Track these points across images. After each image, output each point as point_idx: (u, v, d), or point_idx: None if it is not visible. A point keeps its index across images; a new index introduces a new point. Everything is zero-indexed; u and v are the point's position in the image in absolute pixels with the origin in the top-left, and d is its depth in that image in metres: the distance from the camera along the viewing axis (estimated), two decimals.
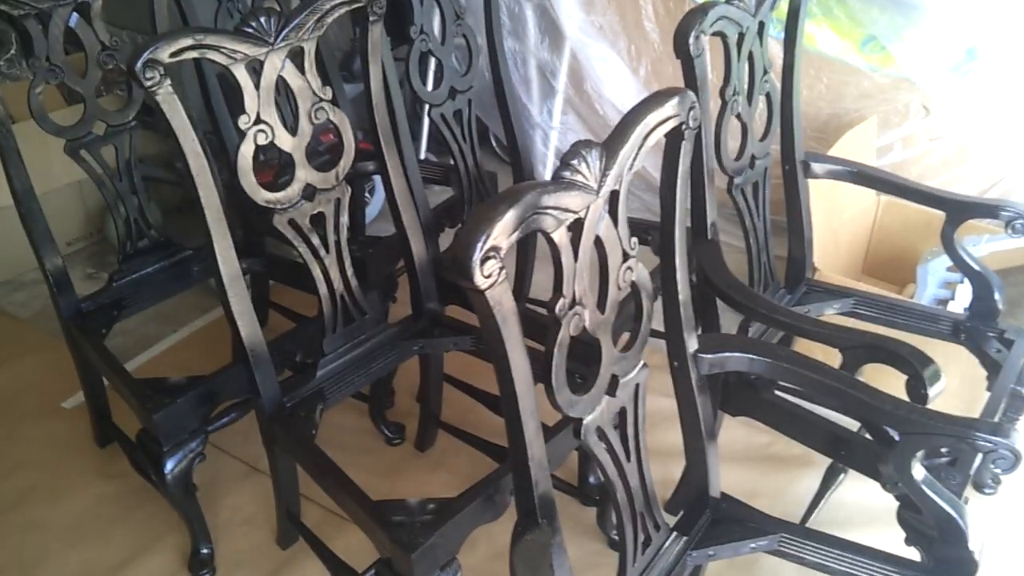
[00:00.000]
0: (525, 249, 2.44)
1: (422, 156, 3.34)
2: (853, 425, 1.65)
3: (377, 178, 3.02)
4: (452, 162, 2.17)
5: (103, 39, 1.96)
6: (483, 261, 0.85)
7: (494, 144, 3.65)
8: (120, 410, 2.11)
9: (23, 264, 3.06)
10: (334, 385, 1.72)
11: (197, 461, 1.80)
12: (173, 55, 1.34)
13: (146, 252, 2.13)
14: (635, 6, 2.93)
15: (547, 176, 3.26)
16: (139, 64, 1.30)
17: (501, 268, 0.88)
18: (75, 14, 1.91)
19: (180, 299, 2.38)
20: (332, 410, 1.71)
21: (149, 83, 1.32)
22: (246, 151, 1.47)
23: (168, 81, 1.34)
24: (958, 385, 1.98)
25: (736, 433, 2.19)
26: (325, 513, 2.03)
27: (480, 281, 0.86)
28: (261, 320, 1.60)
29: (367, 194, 3.13)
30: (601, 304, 1.08)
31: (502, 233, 0.86)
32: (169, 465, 1.75)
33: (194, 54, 1.37)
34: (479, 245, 0.84)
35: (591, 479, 2.02)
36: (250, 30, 1.43)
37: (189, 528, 1.91)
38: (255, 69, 1.46)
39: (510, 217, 0.87)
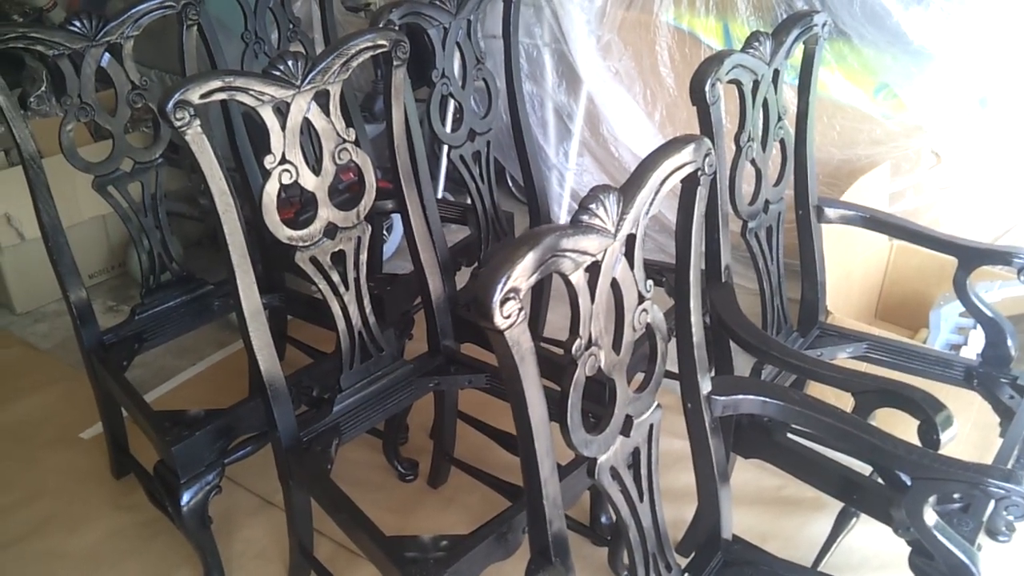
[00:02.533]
0: (539, 289, 2.47)
1: (439, 195, 3.39)
2: (865, 469, 1.65)
3: (395, 216, 3.07)
4: (469, 202, 2.20)
5: (133, 79, 2.01)
6: (503, 302, 0.88)
7: (511, 184, 3.69)
8: (136, 441, 2.13)
9: (46, 296, 3.12)
10: (350, 420, 1.74)
11: (213, 494, 1.82)
12: (203, 96, 1.38)
13: (168, 286, 2.17)
14: (651, 52, 2.99)
15: (562, 216, 3.31)
16: (170, 105, 1.34)
17: (520, 309, 0.90)
18: (107, 54, 1.96)
19: (198, 333, 2.41)
20: (346, 445, 1.72)
21: (179, 123, 1.36)
22: (271, 190, 1.50)
23: (198, 122, 1.38)
24: (970, 431, 1.98)
25: (748, 475, 2.19)
26: (337, 548, 2.04)
27: (500, 322, 0.89)
28: (278, 354, 1.63)
29: (385, 232, 3.17)
30: (617, 345, 1.10)
31: (522, 275, 0.89)
32: (186, 497, 1.77)
33: (223, 96, 1.41)
34: (499, 287, 0.87)
35: (603, 519, 2.02)
36: (278, 73, 1.47)
37: (203, 561, 1.92)
38: (281, 110, 1.50)
39: (530, 260, 0.89)
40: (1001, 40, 2.39)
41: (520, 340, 0.94)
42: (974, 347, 2.17)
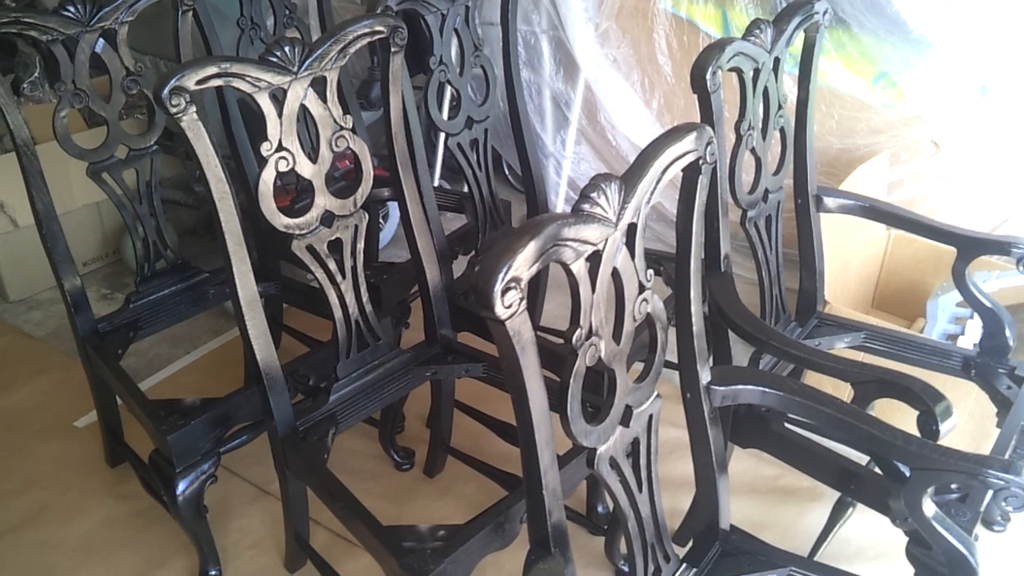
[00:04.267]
0: (536, 278, 2.45)
1: (436, 183, 3.37)
2: (862, 459, 1.65)
3: (391, 204, 3.06)
4: (466, 190, 2.19)
5: (128, 65, 1.99)
6: (504, 292, 0.87)
7: (507, 173, 3.68)
8: (131, 430, 2.12)
9: (40, 283, 3.10)
10: (347, 410, 1.73)
11: (209, 483, 1.81)
12: (199, 83, 1.36)
13: (163, 274, 2.16)
14: (649, 40, 2.97)
15: (559, 205, 3.30)
16: (166, 91, 1.33)
17: (521, 299, 0.89)
18: (101, 40, 1.94)
19: (193, 321, 2.40)
20: (342, 434, 1.72)
21: (175, 110, 1.34)
22: (267, 177, 1.49)
23: (193, 108, 1.36)
24: (967, 421, 1.98)
25: (745, 465, 2.19)
26: (333, 537, 2.03)
27: (501, 311, 0.88)
28: (274, 343, 1.61)
29: (381, 220, 3.16)
30: (617, 335, 1.10)
31: (523, 264, 0.88)
32: (181, 486, 1.76)
33: (219, 82, 1.40)
34: (501, 276, 0.86)
35: (599, 508, 2.02)
36: (274, 59, 1.46)
37: (198, 550, 1.91)
38: (278, 97, 1.48)
39: (531, 249, 0.88)
40: (1001, 29, 2.38)
41: (521, 330, 0.93)
42: (971, 337, 2.17)
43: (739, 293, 1.69)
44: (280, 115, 1.49)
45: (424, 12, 1.98)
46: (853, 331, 1.92)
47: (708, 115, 1.52)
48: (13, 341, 2.91)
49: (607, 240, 1.01)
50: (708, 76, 1.48)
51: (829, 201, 1.93)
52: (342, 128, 1.59)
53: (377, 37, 1.62)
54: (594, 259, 1.01)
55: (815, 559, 1.82)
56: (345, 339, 1.72)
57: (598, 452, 1.13)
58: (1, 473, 2.30)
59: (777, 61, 1.69)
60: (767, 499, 2.15)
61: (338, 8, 3.35)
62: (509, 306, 0.88)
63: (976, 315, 1.85)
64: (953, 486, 1.52)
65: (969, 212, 2.61)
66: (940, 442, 1.29)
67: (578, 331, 1.01)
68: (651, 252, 1.99)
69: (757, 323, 1.65)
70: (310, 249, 1.61)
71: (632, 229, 1.06)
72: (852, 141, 2.74)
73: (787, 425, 1.71)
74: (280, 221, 1.54)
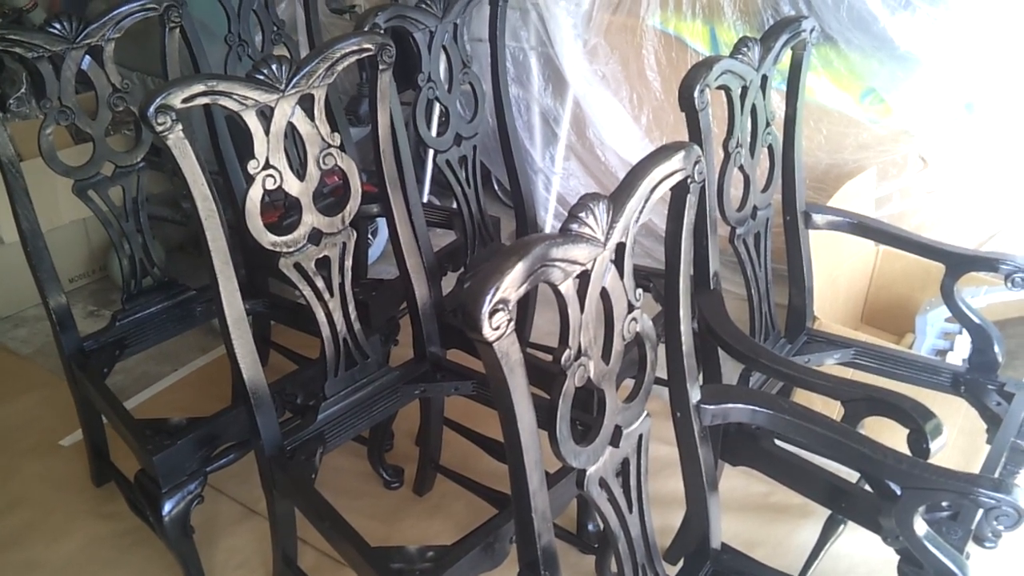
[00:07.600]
0: (526, 295, 2.45)
1: (425, 199, 3.37)
2: (852, 476, 1.64)
3: (380, 220, 3.05)
4: (455, 206, 2.19)
5: (114, 81, 1.98)
6: (492, 313, 0.86)
7: (496, 188, 3.67)
8: (118, 449, 2.10)
9: (25, 300, 3.08)
10: (335, 428, 1.72)
11: (195, 503, 1.79)
12: (185, 101, 1.36)
13: (150, 292, 2.14)
14: (637, 56, 2.98)
15: (548, 221, 3.29)
16: (151, 109, 1.32)
17: (509, 320, 0.89)
18: (87, 57, 1.93)
19: (180, 338, 2.38)
20: (330, 452, 1.70)
21: (160, 128, 1.34)
22: (254, 195, 1.48)
23: (179, 126, 1.36)
24: (957, 437, 1.98)
25: (735, 482, 2.18)
26: (321, 557, 2.01)
27: (488, 333, 0.87)
28: (262, 360, 1.60)
29: (370, 236, 3.15)
30: (606, 355, 1.09)
31: (511, 286, 0.87)
32: (167, 507, 1.74)
33: (206, 100, 1.39)
34: (488, 298, 0.85)
35: (590, 526, 2.01)
36: (261, 77, 1.45)
37: (184, 571, 1.89)
38: (265, 115, 1.48)
39: (519, 270, 0.88)
40: (987, 45, 2.39)
41: (509, 351, 0.92)
42: (960, 352, 2.17)
43: (728, 309, 1.69)
44: (267, 133, 1.48)
45: (412, 29, 1.97)
46: (842, 347, 1.92)
47: (696, 133, 1.52)
48: None
49: (596, 260, 1.00)
50: (696, 95, 1.48)
51: (818, 218, 1.93)
52: (330, 146, 1.58)
53: (365, 55, 1.61)
54: (583, 279, 1.00)
55: None
56: (333, 357, 1.71)
57: (587, 473, 1.12)
58: None
59: (765, 78, 1.69)
60: (758, 516, 2.14)
61: (327, 25, 3.35)
62: (497, 328, 0.88)
63: (964, 331, 1.85)
64: (944, 504, 1.52)
65: (957, 227, 2.62)
66: (930, 460, 1.29)
67: (567, 351, 1.00)
68: (640, 268, 1.99)
69: (746, 341, 1.64)
70: (297, 267, 1.60)
71: (621, 248, 1.05)
72: (840, 156, 2.74)
73: (777, 442, 1.71)
74: (267, 239, 1.53)
